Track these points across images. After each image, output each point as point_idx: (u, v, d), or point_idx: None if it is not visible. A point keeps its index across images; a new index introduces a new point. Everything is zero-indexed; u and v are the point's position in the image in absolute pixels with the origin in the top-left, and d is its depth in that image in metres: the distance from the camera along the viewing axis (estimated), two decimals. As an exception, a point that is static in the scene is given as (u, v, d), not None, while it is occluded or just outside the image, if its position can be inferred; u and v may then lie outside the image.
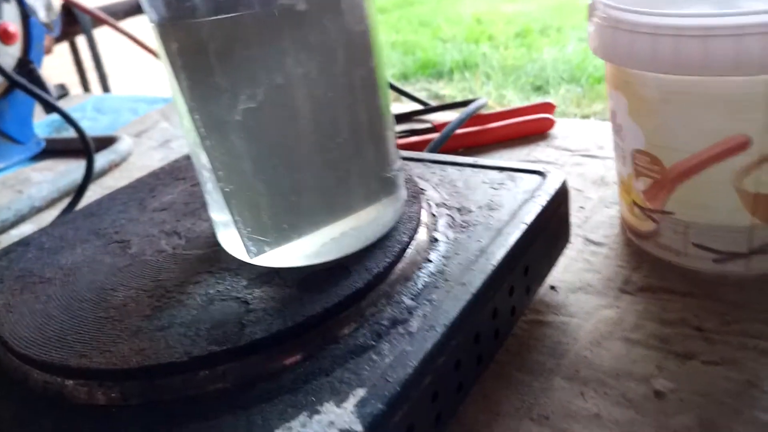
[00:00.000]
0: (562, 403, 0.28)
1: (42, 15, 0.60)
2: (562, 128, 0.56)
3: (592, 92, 3.11)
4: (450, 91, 3.43)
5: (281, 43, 0.23)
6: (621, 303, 0.34)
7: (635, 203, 0.37)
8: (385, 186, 0.29)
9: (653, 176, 0.34)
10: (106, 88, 1.09)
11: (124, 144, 0.68)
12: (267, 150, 0.25)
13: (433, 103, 0.65)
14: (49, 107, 0.54)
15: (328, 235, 0.28)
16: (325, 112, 0.25)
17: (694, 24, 0.28)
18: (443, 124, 0.57)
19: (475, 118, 0.56)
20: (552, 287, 0.37)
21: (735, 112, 0.30)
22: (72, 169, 0.66)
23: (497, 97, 3.15)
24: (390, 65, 3.98)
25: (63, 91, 0.59)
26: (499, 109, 0.57)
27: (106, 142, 0.69)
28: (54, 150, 0.71)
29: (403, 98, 0.68)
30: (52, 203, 0.59)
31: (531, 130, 0.55)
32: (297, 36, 0.23)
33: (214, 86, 0.24)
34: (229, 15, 0.22)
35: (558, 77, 3.29)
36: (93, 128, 0.81)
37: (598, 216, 0.43)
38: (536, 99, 3.13)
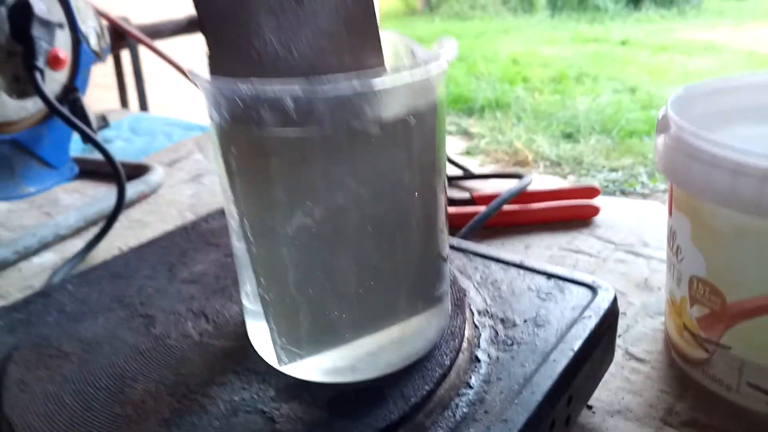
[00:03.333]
0: None
1: (93, 42, 0.59)
2: (606, 216, 0.54)
3: (623, 145, 3.09)
4: (479, 129, 3.43)
5: (347, 163, 0.22)
6: (663, 437, 0.32)
7: (686, 328, 0.35)
8: (430, 302, 0.27)
9: (711, 307, 0.32)
10: (144, 106, 1.09)
11: (155, 175, 0.67)
12: (315, 265, 0.23)
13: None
14: (87, 139, 0.54)
15: (364, 349, 0.26)
16: (382, 233, 0.24)
17: (780, 167, 0.27)
18: (483, 197, 0.55)
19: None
20: (589, 406, 0.34)
21: (811, 258, 0.28)
22: (100, 196, 0.66)
23: (527, 140, 3.13)
24: (422, 96, 3.98)
25: (103, 123, 0.58)
26: (542, 188, 0.56)
27: (138, 169, 0.68)
28: (84, 170, 0.70)
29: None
30: (77, 232, 0.58)
31: (574, 215, 0.53)
32: (364, 158, 0.22)
33: (270, 198, 0.22)
34: (297, 130, 0.21)
35: (589, 127, 3.27)
36: (126, 150, 0.81)
37: (640, 326, 0.40)
38: (566, 146, 3.11)
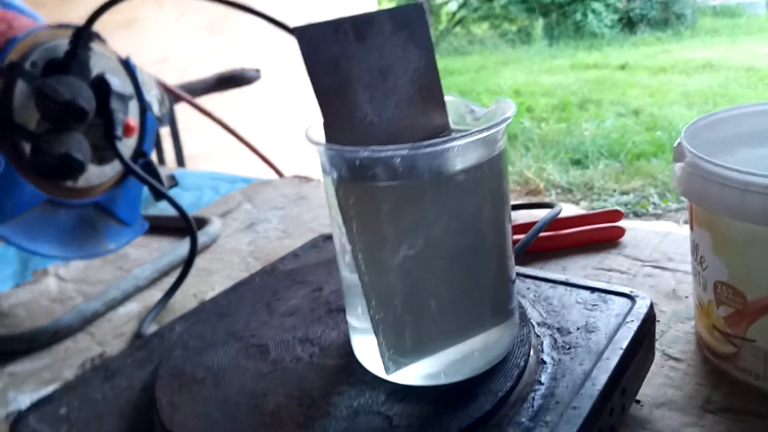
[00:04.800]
0: None
1: (156, 109, 0.67)
2: (631, 236, 0.59)
3: (631, 168, 3.15)
4: (489, 161, 3.50)
5: (440, 204, 0.28)
6: (705, 422, 0.37)
7: (715, 327, 0.40)
8: (505, 314, 0.33)
9: (735, 306, 0.38)
10: (181, 161, 1.17)
11: (213, 227, 0.73)
12: (418, 287, 0.29)
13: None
14: (162, 196, 0.60)
15: (455, 356, 0.32)
16: (469, 257, 0.30)
17: (781, 185, 0.32)
18: (518, 225, 0.61)
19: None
20: (637, 401, 0.40)
21: (815, 258, 0.34)
22: (166, 249, 0.72)
23: (536, 170, 3.20)
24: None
25: (173, 182, 0.65)
26: (571, 214, 0.61)
27: (196, 222, 0.75)
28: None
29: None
30: (152, 282, 0.65)
31: (602, 237, 0.59)
32: (453, 199, 0.28)
33: (381, 236, 0.28)
34: (403, 182, 0.27)
35: (597, 152, 3.35)
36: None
37: (673, 331, 0.46)
38: (575, 173, 3.18)
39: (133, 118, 0.63)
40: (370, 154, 0.26)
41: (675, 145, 0.40)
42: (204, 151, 1.78)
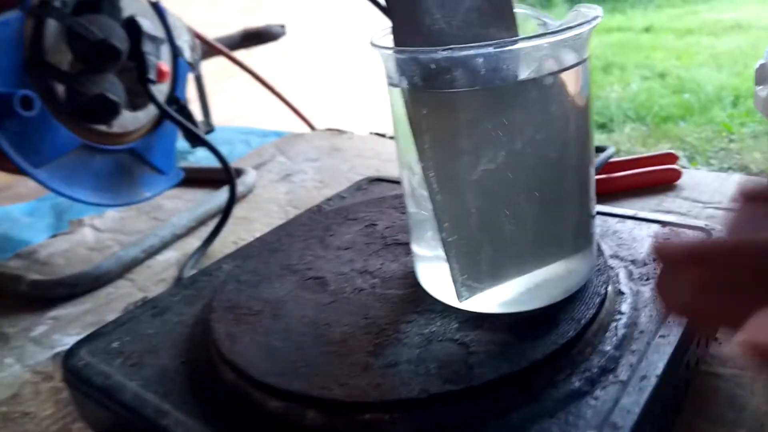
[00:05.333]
0: (754, 457, 0.29)
1: (187, 55, 0.64)
2: (688, 179, 0.57)
3: (658, 131, 3.08)
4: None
5: (527, 111, 0.26)
6: (788, 359, 0.35)
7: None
8: (586, 239, 0.31)
9: (823, 237, 0.35)
10: (207, 117, 1.14)
11: (249, 176, 0.72)
12: (496, 206, 0.27)
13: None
14: (197, 140, 0.58)
15: (533, 282, 0.30)
16: (550, 173, 0.27)
17: None
18: (567, 170, 0.58)
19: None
20: (716, 338, 0.37)
21: None
22: (200, 199, 0.71)
23: (561, 133, 3.14)
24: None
25: (209, 127, 0.63)
26: (623, 158, 0.59)
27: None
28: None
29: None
30: (189, 231, 0.63)
31: (658, 180, 0.56)
32: (540, 105, 0.26)
33: (458, 149, 0.26)
34: (484, 87, 0.25)
35: (622, 115, 3.27)
36: (210, 158, 0.85)
37: (744, 270, 0.43)
38: (601, 136, 3.12)
39: (165, 63, 0.61)
40: (449, 53, 0.24)
41: (757, 67, 0.37)
42: (227, 117, 1.76)
